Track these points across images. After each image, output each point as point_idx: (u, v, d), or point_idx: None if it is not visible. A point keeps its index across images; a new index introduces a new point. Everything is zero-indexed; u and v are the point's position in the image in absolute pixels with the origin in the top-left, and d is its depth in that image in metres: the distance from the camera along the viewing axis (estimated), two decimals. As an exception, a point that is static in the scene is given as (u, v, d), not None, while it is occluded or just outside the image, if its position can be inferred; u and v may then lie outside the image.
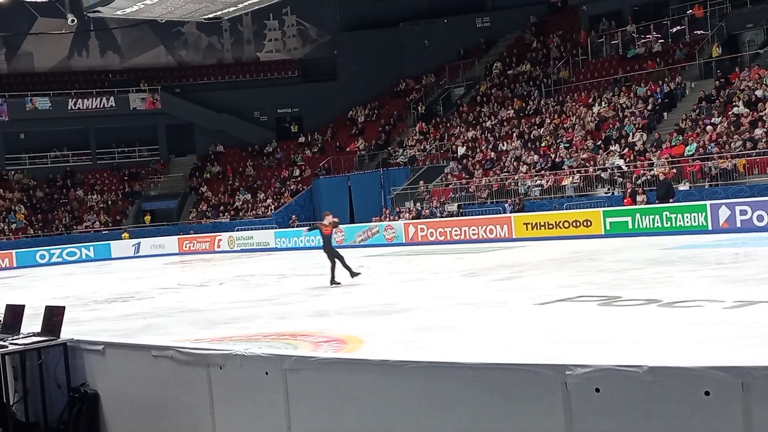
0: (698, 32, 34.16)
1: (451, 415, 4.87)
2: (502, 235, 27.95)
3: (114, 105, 45.27)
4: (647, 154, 28.59)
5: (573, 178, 29.61)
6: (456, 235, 29.31)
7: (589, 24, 39.13)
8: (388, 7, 45.94)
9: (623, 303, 11.62)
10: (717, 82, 30.18)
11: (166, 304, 16.66)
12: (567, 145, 31.95)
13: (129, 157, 46.96)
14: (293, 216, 38.31)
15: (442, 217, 31.50)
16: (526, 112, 36.74)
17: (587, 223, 25.95)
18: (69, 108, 44.55)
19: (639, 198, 25.75)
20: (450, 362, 4.99)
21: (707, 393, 4.02)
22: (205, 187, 44.76)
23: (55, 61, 47.28)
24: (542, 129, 34.32)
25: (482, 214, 30.00)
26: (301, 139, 46.29)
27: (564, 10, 42.70)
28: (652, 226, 24.32)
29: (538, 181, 30.61)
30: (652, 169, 27.14)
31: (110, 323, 13.97)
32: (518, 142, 34.20)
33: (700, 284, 12.92)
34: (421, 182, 34.62)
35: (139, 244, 38.95)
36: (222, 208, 42.51)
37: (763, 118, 26.76)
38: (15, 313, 8.25)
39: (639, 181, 27.11)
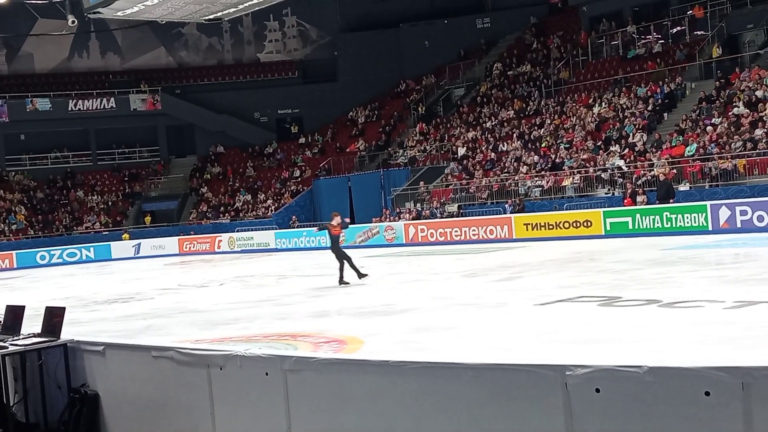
0: (698, 33, 34.17)
1: (451, 415, 4.87)
2: (502, 236, 27.95)
3: (114, 106, 45.28)
4: (647, 154, 28.59)
5: (573, 178, 29.61)
6: (456, 236, 29.31)
7: (590, 24, 39.13)
8: (389, 8, 45.95)
9: (623, 303, 11.62)
10: (717, 82, 30.18)
11: (166, 305, 16.66)
12: (567, 145, 31.95)
13: (129, 158, 46.97)
14: (293, 217, 38.32)
15: (442, 217, 31.50)
16: (527, 113, 36.74)
17: (587, 224, 25.95)
18: (69, 109, 44.57)
19: (639, 198, 25.74)
20: (450, 363, 4.99)
21: (707, 393, 4.02)
22: (206, 187, 44.77)
23: (56, 62, 47.30)
24: (542, 129, 34.32)
25: (482, 215, 30.00)
26: (302, 140, 46.30)
27: (564, 10, 42.70)
28: (652, 226, 24.32)
29: (539, 182, 30.61)
30: (653, 170, 27.14)
31: (110, 324, 13.97)
32: (518, 142, 34.20)
33: (700, 284, 12.92)
34: (422, 183, 34.63)
35: (139, 244, 38.95)
36: (222, 208, 42.52)
37: (764, 118, 26.76)
38: (15, 314, 8.26)
39: (639, 182, 27.11)
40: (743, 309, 10.18)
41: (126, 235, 40.37)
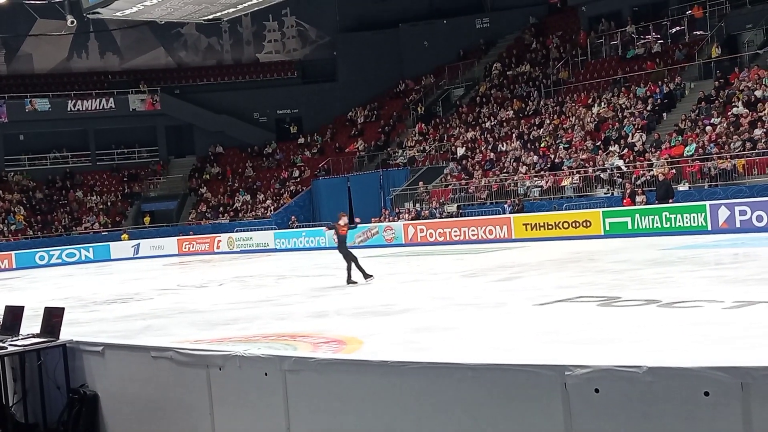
0: (697, 33, 34.18)
1: (450, 415, 4.87)
2: (501, 236, 27.95)
3: (113, 106, 45.28)
4: (647, 154, 28.60)
5: (572, 178, 29.62)
6: (455, 236, 29.31)
7: (589, 25, 39.14)
8: (388, 8, 45.95)
9: (623, 303, 11.62)
10: (716, 82, 30.19)
11: (165, 305, 16.66)
12: (566, 145, 31.96)
13: (128, 159, 46.97)
14: (293, 217, 38.32)
15: (441, 217, 31.50)
16: (526, 113, 36.75)
17: (587, 224, 25.95)
18: (68, 109, 44.56)
19: (638, 198, 25.75)
20: (449, 363, 4.99)
21: (707, 393, 4.02)
22: (205, 188, 44.77)
23: (55, 63, 47.28)
24: (542, 129, 34.33)
25: (482, 215, 30.00)
26: (301, 140, 46.30)
27: (563, 10, 42.71)
28: (651, 226, 24.33)
29: (538, 182, 30.61)
30: (652, 170, 27.15)
31: (109, 324, 13.96)
32: (518, 142, 34.21)
33: (699, 284, 12.92)
34: (421, 183, 34.63)
35: (138, 245, 38.94)
36: (221, 209, 42.51)
37: (763, 118, 26.77)
38: (14, 314, 8.25)
39: (638, 182, 27.12)
40: (742, 309, 10.19)
41: (125, 236, 40.36)
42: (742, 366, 3.99)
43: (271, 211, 40.05)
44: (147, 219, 43.33)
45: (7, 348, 7.53)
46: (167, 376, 6.62)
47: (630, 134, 30.39)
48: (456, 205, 32.19)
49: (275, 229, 37.32)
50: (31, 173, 45.10)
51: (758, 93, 28.17)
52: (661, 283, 13.39)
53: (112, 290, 21.44)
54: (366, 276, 17.54)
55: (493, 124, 37.16)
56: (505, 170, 32.76)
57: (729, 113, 28.14)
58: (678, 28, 35.00)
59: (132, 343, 7.67)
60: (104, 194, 44.90)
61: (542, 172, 31.07)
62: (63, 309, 7.93)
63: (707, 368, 4.04)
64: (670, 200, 24.70)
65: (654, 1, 37.35)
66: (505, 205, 29.98)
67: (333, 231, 18.64)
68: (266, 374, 5.79)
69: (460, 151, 36.10)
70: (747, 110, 27.66)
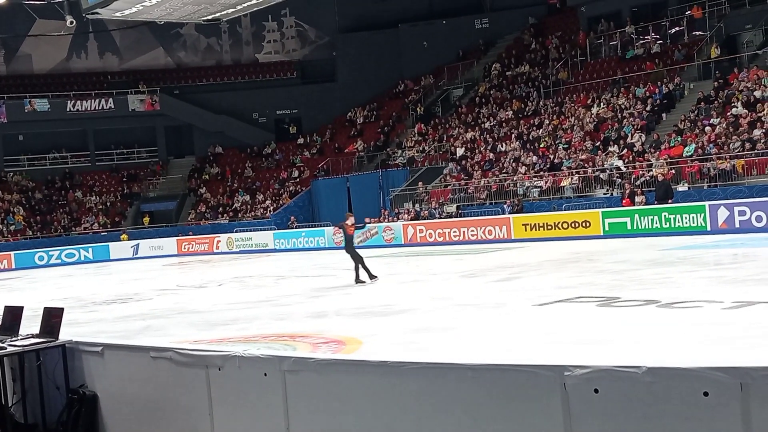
0: (697, 33, 34.19)
1: (450, 416, 4.87)
2: (500, 236, 27.95)
3: (113, 106, 45.27)
4: (646, 154, 28.61)
5: (572, 179, 29.62)
6: (455, 236, 29.31)
7: (588, 25, 39.15)
8: (387, 9, 45.95)
9: (622, 304, 11.63)
10: (716, 82, 30.20)
11: (164, 306, 16.66)
12: (566, 146, 31.97)
13: (128, 159, 46.96)
14: (292, 217, 38.32)
15: (440, 218, 31.50)
16: (525, 113, 36.75)
17: (586, 224, 25.96)
18: (68, 109, 44.55)
19: (638, 199, 25.75)
20: (449, 363, 4.99)
21: (706, 394, 4.02)
22: (204, 188, 44.76)
23: (54, 63, 47.27)
24: (541, 130, 34.33)
25: (481, 215, 30.00)
26: (300, 141, 46.29)
27: (563, 11, 42.72)
28: (650, 226, 24.33)
29: (537, 182, 30.61)
30: (651, 170, 27.16)
31: (109, 325, 13.96)
32: (517, 143, 34.22)
33: (698, 285, 12.92)
34: (420, 183, 34.63)
35: (137, 245, 38.93)
36: (221, 209, 42.50)
37: (762, 118, 26.78)
38: (14, 314, 8.25)
39: (638, 182, 27.12)
40: (742, 309, 10.19)
41: (124, 236, 40.35)
42: (741, 366, 3.98)
43: (270, 211, 40.05)
44: (146, 219, 43.33)
45: (6, 348, 7.52)
46: (166, 376, 6.62)
47: (629, 135, 30.40)
48: (455, 205, 32.19)
49: (274, 229, 37.32)
50: (31, 173, 45.10)
51: (757, 93, 28.18)
52: (660, 284, 13.40)
53: (112, 290, 21.43)
54: (371, 276, 17.64)
55: (492, 124, 37.17)
56: (504, 170, 32.77)
57: (728, 114, 28.15)
58: (677, 28, 35.01)
59: (131, 344, 7.67)
60: (103, 194, 44.90)
61: (541, 173, 31.07)
62: (62, 309, 7.93)
63: (707, 368, 4.04)
64: (670, 201, 24.71)
65: (653, 2, 37.36)
66: (505, 206, 29.98)
67: (341, 230, 18.76)
68: (265, 374, 5.79)
69: (460, 152, 36.11)
70: (746, 110, 27.67)
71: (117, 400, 7.17)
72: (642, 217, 24.64)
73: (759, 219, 22.18)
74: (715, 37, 32.74)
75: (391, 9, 45.82)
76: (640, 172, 27.72)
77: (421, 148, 38.64)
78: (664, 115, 31.14)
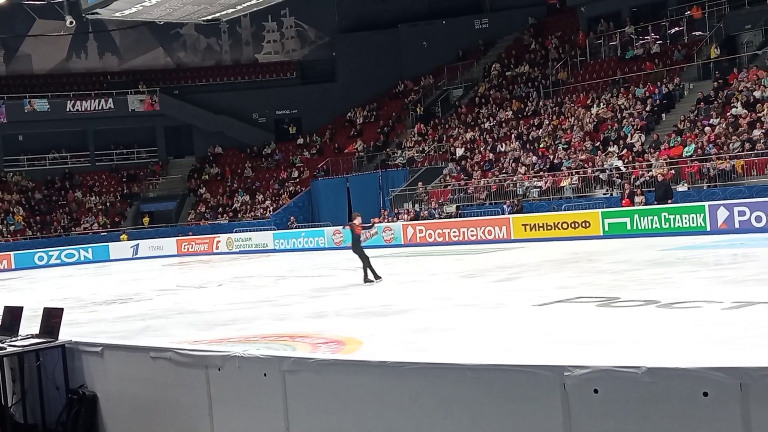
0: (696, 33, 34.20)
1: (449, 416, 4.87)
2: (500, 237, 27.95)
3: (112, 107, 45.28)
4: (645, 155, 28.61)
5: (571, 179, 29.62)
6: (454, 237, 29.30)
7: (588, 25, 39.16)
8: (387, 9, 45.96)
9: (622, 304, 11.63)
10: (715, 83, 30.20)
11: (164, 306, 16.65)
12: (565, 146, 31.97)
13: (127, 159, 46.96)
14: (292, 217, 38.32)
15: (440, 218, 31.50)
16: (525, 114, 36.75)
17: (586, 224, 25.96)
18: (67, 110, 44.56)
19: (637, 199, 25.75)
20: (448, 363, 4.99)
21: (706, 394, 4.02)
22: (204, 188, 44.76)
23: (54, 63, 47.27)
24: (541, 130, 34.34)
25: (481, 216, 30.00)
26: (300, 141, 46.30)
27: (562, 11, 42.72)
28: (650, 227, 24.33)
29: (537, 183, 30.61)
30: (651, 170, 27.16)
31: (109, 325, 13.96)
32: (517, 143, 34.22)
33: (698, 285, 12.92)
34: (420, 183, 34.63)
35: (137, 245, 38.92)
36: (220, 209, 42.50)
37: (762, 119, 26.79)
38: (13, 314, 8.25)
39: (637, 182, 27.12)
40: (741, 309, 10.19)
41: (124, 236, 40.35)
42: (741, 366, 3.99)
43: (270, 211, 40.05)
44: (146, 219, 43.33)
45: (6, 348, 7.52)
46: (166, 376, 6.62)
47: (629, 135, 30.40)
48: (455, 205, 32.19)
49: (274, 229, 37.31)
50: (30, 174, 45.10)
51: (757, 93, 28.19)
52: (660, 284, 13.40)
53: (111, 291, 21.43)
54: (376, 277, 17.73)
55: (492, 124, 37.17)
56: (504, 171, 32.77)
57: (728, 114, 28.16)
58: (677, 28, 35.01)
59: (131, 344, 7.67)
60: (103, 195, 44.90)
61: (541, 173, 31.07)
62: (62, 309, 7.93)
63: (706, 369, 4.04)
64: (669, 201, 24.71)
65: (653, 2, 37.37)
66: (504, 206, 29.98)
67: (350, 228, 18.91)
68: (265, 375, 5.79)
69: (459, 152, 36.11)
70: (746, 111, 27.67)
71: (117, 401, 7.17)
72: (642, 218, 24.65)
73: (759, 219, 22.18)
74: (714, 37, 32.75)
75: (391, 9, 45.82)
76: (640, 172, 27.72)
77: (420, 149, 38.65)
78: (663, 115, 31.15)
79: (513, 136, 34.99)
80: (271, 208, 40.41)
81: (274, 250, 35.01)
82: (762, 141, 25.71)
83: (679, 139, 28.32)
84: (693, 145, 27.41)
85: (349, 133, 44.57)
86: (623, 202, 26.40)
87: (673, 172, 26.64)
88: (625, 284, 13.89)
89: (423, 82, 44.32)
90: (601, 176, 29.04)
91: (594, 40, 37.90)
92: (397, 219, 32.99)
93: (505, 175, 32.36)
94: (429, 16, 45.90)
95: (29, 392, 7.74)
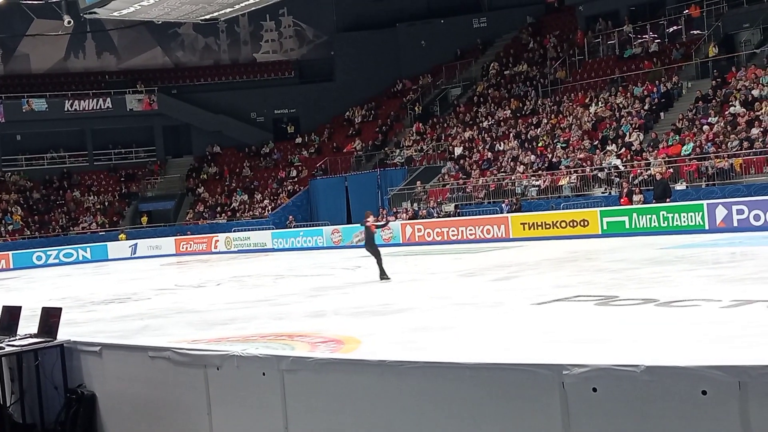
0: (695, 32, 34.20)
1: (448, 415, 4.87)
2: (499, 235, 27.95)
3: (111, 106, 45.24)
4: (644, 153, 28.62)
5: (570, 178, 29.63)
6: (453, 236, 29.30)
7: (586, 24, 39.16)
8: (385, 8, 45.95)
9: (620, 303, 11.63)
10: (713, 81, 30.21)
11: (163, 305, 16.64)
12: (564, 145, 31.98)
13: (126, 159, 46.93)
14: (290, 217, 38.31)
15: (439, 217, 31.50)
16: (523, 113, 36.75)
17: (584, 223, 25.97)
18: (65, 109, 44.52)
19: (636, 198, 25.77)
20: (447, 362, 4.99)
21: (704, 392, 4.02)
22: (202, 188, 44.74)
23: (52, 63, 47.23)
24: (539, 129, 34.34)
25: (479, 214, 30.01)
26: (298, 140, 46.27)
27: (561, 10, 42.72)
28: (649, 225, 24.35)
29: (535, 181, 30.62)
30: (649, 169, 27.17)
31: (107, 324, 13.94)
32: (515, 142, 34.22)
33: (697, 284, 12.93)
34: (418, 182, 34.62)
35: (136, 245, 38.90)
36: (219, 208, 42.48)
37: (760, 117, 26.80)
38: (12, 314, 8.24)
39: (636, 181, 27.13)
40: (740, 308, 10.20)
41: (123, 236, 40.32)
42: (739, 365, 3.99)
43: (268, 210, 40.04)
44: (144, 219, 43.30)
45: (4, 348, 7.52)
46: (165, 376, 6.62)
47: (627, 133, 30.41)
48: (454, 204, 32.19)
49: (273, 228, 37.31)
50: (29, 173, 45.06)
51: (755, 92, 28.20)
52: (658, 282, 13.40)
53: (110, 290, 21.41)
54: (383, 276, 17.83)
55: (490, 123, 37.17)
56: (502, 170, 32.77)
57: (726, 112, 28.17)
58: (675, 27, 35.02)
59: (129, 343, 7.66)
60: (101, 194, 44.87)
61: (540, 172, 31.08)
62: (60, 309, 7.92)
63: (705, 367, 4.04)
64: (668, 199, 24.73)
65: (651, 1, 37.39)
66: (503, 205, 29.99)
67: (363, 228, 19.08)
68: (264, 374, 5.79)
69: (458, 151, 36.11)
70: (744, 109, 27.69)
71: (115, 400, 7.17)
72: (640, 216, 24.66)
73: (757, 218, 22.20)
74: (713, 36, 32.76)
75: (389, 8, 45.81)
76: (639, 171, 27.73)
77: (419, 148, 38.64)
78: (662, 114, 31.16)
79: (511, 135, 34.99)
80: (270, 207, 40.40)
81: (273, 250, 35.01)
82: (760, 139, 25.72)
83: (677, 137, 28.33)
84: (691, 144, 27.43)
85: (347, 132, 44.56)
86: (622, 200, 26.41)
87: (671, 170, 26.66)
88: (623, 283, 13.90)
89: (421, 81, 44.32)
90: (599, 175, 29.05)
91: (592, 39, 37.90)
92: (396, 218, 32.99)
93: (503, 174, 32.37)
94: (427, 16, 45.90)
95: (28, 392, 7.73)
